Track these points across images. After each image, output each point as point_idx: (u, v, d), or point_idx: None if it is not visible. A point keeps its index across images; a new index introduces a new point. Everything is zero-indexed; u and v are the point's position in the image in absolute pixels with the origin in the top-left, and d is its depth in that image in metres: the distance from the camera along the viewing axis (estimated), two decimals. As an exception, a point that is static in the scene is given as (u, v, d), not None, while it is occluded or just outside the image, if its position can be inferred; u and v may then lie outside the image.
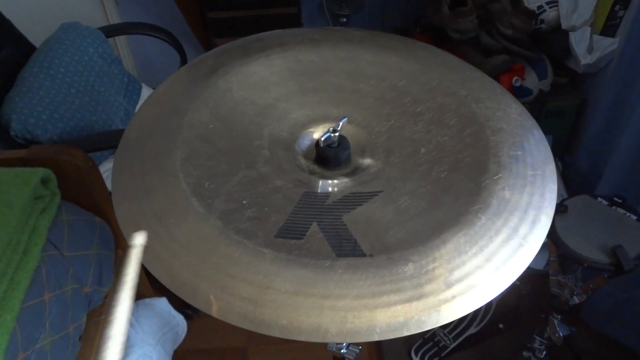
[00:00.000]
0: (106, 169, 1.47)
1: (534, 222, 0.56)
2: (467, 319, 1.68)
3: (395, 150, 0.65)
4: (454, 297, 0.50)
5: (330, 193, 0.60)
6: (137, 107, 1.71)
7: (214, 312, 0.49)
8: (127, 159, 0.62)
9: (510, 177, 0.59)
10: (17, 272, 0.88)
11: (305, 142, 0.67)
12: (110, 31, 1.76)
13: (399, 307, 0.48)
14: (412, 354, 1.65)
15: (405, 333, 0.48)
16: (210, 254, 0.52)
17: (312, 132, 0.68)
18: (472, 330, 1.66)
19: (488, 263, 0.52)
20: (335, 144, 0.64)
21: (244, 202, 0.57)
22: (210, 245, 0.52)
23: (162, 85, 0.72)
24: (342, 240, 0.53)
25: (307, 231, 0.54)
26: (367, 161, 0.65)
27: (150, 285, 1.37)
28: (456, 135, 0.65)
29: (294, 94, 0.71)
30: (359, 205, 0.58)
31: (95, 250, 1.09)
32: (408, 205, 0.57)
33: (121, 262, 1.20)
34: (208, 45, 2.16)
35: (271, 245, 0.52)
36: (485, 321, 1.67)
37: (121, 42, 2.24)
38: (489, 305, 1.71)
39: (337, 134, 0.63)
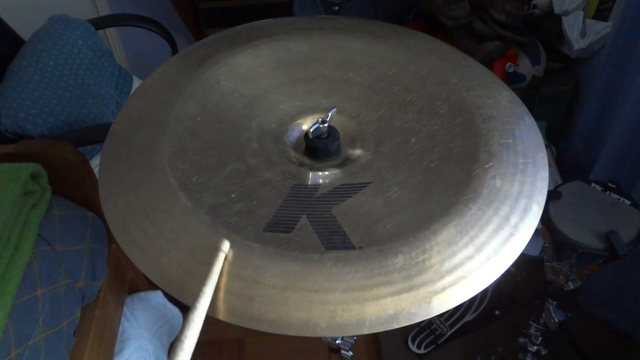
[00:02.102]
0: (97, 163, 1.46)
1: (525, 211, 0.55)
2: (463, 307, 1.68)
3: (385, 140, 0.64)
4: (444, 288, 0.49)
5: (320, 185, 0.59)
6: (129, 99, 1.70)
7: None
8: (114, 154, 0.62)
9: (501, 165, 0.59)
10: (8, 268, 0.87)
11: (294, 134, 0.66)
12: (100, 23, 1.74)
13: (389, 299, 0.48)
14: (409, 342, 1.66)
15: (395, 326, 0.47)
16: (198, 249, 0.51)
17: (301, 124, 0.67)
18: (468, 317, 1.67)
19: (479, 253, 0.51)
20: (325, 135, 0.63)
21: (232, 195, 0.56)
22: (197, 240, 0.52)
23: (149, 77, 0.71)
24: (331, 233, 0.53)
25: (296, 224, 0.53)
26: (357, 152, 0.64)
27: (145, 279, 1.37)
28: (447, 124, 0.64)
29: (283, 84, 0.71)
30: (349, 197, 0.57)
31: (88, 245, 1.08)
32: (398, 196, 0.57)
33: (115, 256, 1.20)
34: (199, 36, 2.14)
35: (260, 239, 0.51)
36: (481, 308, 1.67)
37: (112, 35, 2.22)
38: (484, 292, 1.71)
39: (326, 124, 0.62)
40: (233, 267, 0.49)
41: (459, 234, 0.52)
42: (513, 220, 0.54)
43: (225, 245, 0.50)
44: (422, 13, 1.99)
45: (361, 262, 0.50)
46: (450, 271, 0.50)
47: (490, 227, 0.53)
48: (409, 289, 0.49)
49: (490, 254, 0.52)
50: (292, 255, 0.50)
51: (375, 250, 0.51)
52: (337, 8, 2.02)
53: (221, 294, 0.48)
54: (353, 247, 0.51)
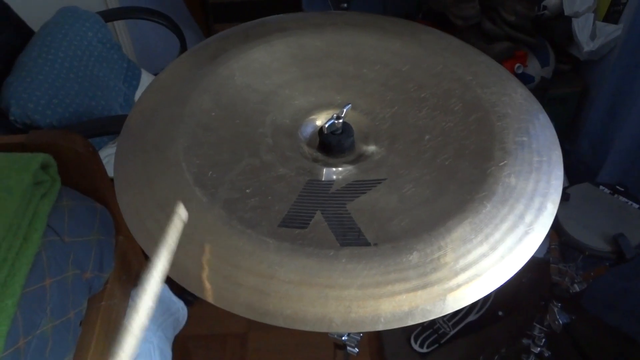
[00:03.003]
0: (106, 154, 1.46)
1: (539, 209, 0.55)
2: (467, 307, 1.68)
3: (399, 137, 0.64)
4: (459, 285, 0.49)
5: (334, 181, 0.59)
6: (137, 92, 1.70)
7: (217, 301, 0.49)
8: (129, 148, 0.62)
9: (516, 163, 0.59)
10: (17, 257, 0.87)
11: (308, 130, 0.66)
12: (109, 15, 1.75)
13: (404, 296, 0.48)
14: (412, 341, 1.66)
15: (410, 322, 0.47)
16: (213, 244, 0.51)
17: (315, 119, 0.67)
18: (471, 317, 1.67)
19: (493, 251, 0.51)
20: (339, 131, 0.63)
21: (247, 190, 0.56)
22: (213, 234, 0.52)
23: (163, 72, 0.71)
24: (346, 229, 0.53)
25: (311, 220, 0.53)
26: (371, 148, 0.64)
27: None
28: (461, 121, 0.64)
29: (297, 80, 0.70)
30: (363, 193, 0.57)
31: (96, 236, 1.09)
32: (412, 193, 0.57)
33: (122, 247, 1.20)
34: (208, 31, 2.14)
35: (275, 235, 0.51)
36: (484, 309, 1.67)
37: (120, 27, 2.22)
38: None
39: (340, 120, 0.62)
40: (249, 262, 0.49)
41: (473, 231, 0.52)
42: (528, 218, 0.54)
43: (182, 211, 0.50)
44: (432, 12, 1.99)
45: (376, 259, 0.50)
46: (464, 269, 0.50)
47: (505, 225, 0.53)
48: (423, 286, 0.49)
49: (505, 252, 0.52)
50: (307, 251, 0.50)
51: (390, 247, 0.51)
52: (346, 5, 2.02)
53: (237, 289, 0.48)
54: (368, 244, 0.51)
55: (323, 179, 0.60)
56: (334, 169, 0.61)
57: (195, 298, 1.75)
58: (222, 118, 0.64)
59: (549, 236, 1.22)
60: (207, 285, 0.49)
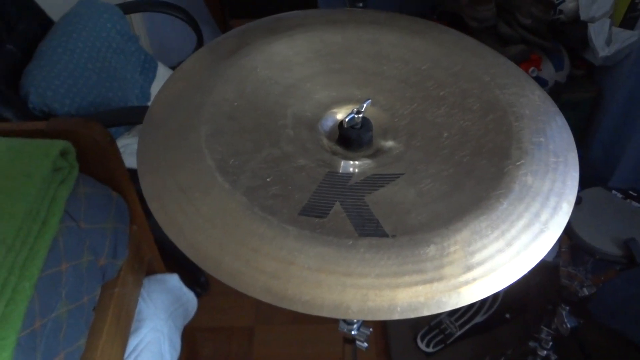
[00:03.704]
0: (122, 144, 1.48)
1: (555, 209, 0.56)
2: (474, 308, 1.69)
3: (417, 134, 0.65)
4: (474, 279, 0.50)
5: (352, 174, 0.60)
6: (153, 85, 1.72)
7: (236, 285, 0.50)
8: (152, 133, 0.63)
9: (533, 163, 0.59)
10: (36, 241, 0.89)
11: (328, 123, 0.67)
12: (128, 8, 1.76)
13: (420, 287, 0.49)
14: (418, 340, 1.67)
15: (426, 313, 0.48)
16: (234, 229, 0.52)
17: (336, 113, 0.68)
18: (478, 319, 1.67)
19: (509, 247, 0.52)
20: (359, 126, 0.64)
21: (268, 179, 0.57)
22: (234, 220, 0.53)
23: (186, 62, 0.73)
24: (364, 220, 0.54)
25: (330, 210, 0.55)
26: (389, 143, 0.65)
27: (162, 261, 1.39)
28: (479, 120, 0.65)
29: (318, 74, 0.72)
30: (381, 186, 0.58)
31: (111, 223, 1.10)
32: (430, 188, 0.58)
33: (135, 237, 1.22)
34: (224, 26, 2.16)
35: (295, 223, 0.53)
36: (492, 311, 1.68)
37: (137, 20, 2.24)
38: (496, 295, 1.71)
39: (360, 115, 0.63)
40: (269, 248, 0.51)
41: (490, 227, 0.53)
42: (543, 216, 0.55)
43: None
44: (447, 13, 1.99)
45: (394, 250, 0.51)
46: (480, 263, 0.51)
47: (521, 223, 0.54)
48: (439, 278, 0.50)
49: (521, 249, 0.52)
50: (327, 240, 0.51)
51: (407, 239, 0.52)
52: (361, 5, 2.02)
53: (256, 273, 0.50)
54: (386, 235, 0.52)
55: (341, 172, 0.61)
56: (352, 162, 0.62)
57: (204, 290, 1.77)
58: (245, 108, 0.65)
59: (559, 239, 1.23)
60: (227, 268, 0.50)
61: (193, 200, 0.55)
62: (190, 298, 1.40)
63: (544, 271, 1.62)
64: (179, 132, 0.62)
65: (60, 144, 0.98)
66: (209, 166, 0.57)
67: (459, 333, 1.67)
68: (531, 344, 1.45)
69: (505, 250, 0.52)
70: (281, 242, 0.51)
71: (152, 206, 0.55)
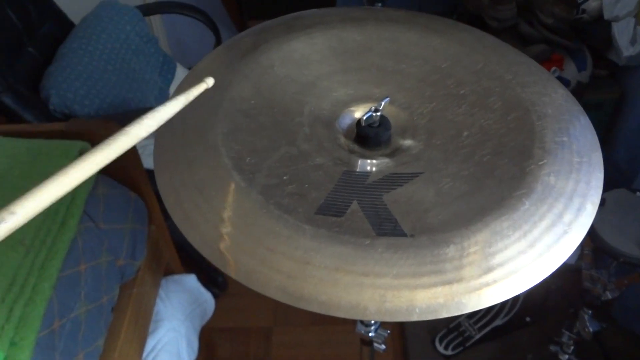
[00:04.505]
0: (140, 145, 1.49)
1: (579, 210, 0.54)
2: (494, 311, 1.66)
3: (437, 132, 0.64)
4: (495, 281, 0.49)
5: (370, 173, 0.59)
6: (172, 86, 1.73)
7: (252, 284, 0.49)
8: (169, 129, 0.63)
9: (556, 163, 0.58)
10: (55, 242, 0.90)
11: (345, 121, 0.66)
12: (147, 10, 1.78)
13: (439, 288, 0.48)
14: (437, 343, 1.65)
15: (445, 315, 0.47)
16: (250, 228, 0.52)
17: (353, 111, 0.67)
18: (498, 322, 1.65)
19: (531, 248, 0.51)
20: (377, 124, 0.63)
21: (284, 177, 0.57)
22: (251, 219, 0.52)
23: (203, 60, 0.72)
24: (382, 219, 0.53)
25: (347, 209, 0.54)
26: (408, 142, 0.64)
27: (180, 262, 1.39)
28: (500, 119, 0.64)
29: (336, 72, 0.71)
30: (400, 185, 0.57)
31: (130, 224, 1.11)
32: (450, 188, 0.56)
33: (153, 237, 1.22)
34: (242, 27, 2.16)
35: (311, 222, 0.52)
36: (512, 314, 1.65)
37: (156, 22, 2.26)
38: (516, 298, 1.69)
39: (378, 113, 0.62)
40: (285, 247, 0.50)
41: (511, 228, 0.52)
42: (567, 218, 0.53)
43: (210, 81, 0.52)
44: (467, 13, 1.97)
45: (412, 250, 0.50)
46: (501, 264, 0.50)
47: (544, 224, 0.53)
48: (459, 280, 0.48)
49: (543, 250, 0.51)
50: (344, 239, 0.50)
51: (426, 239, 0.51)
52: (380, 4, 2.01)
53: (272, 273, 0.49)
54: (404, 235, 0.51)
55: (358, 170, 0.60)
56: (369, 160, 0.61)
57: (222, 291, 1.77)
58: (262, 106, 0.65)
59: (581, 242, 1.20)
60: (243, 268, 0.50)
61: (209, 198, 0.54)
62: (207, 298, 1.40)
63: (565, 274, 1.59)
64: (195, 130, 0.62)
65: (79, 145, 0.99)
66: (225, 164, 0.57)
67: (478, 336, 1.64)
68: (552, 348, 1.43)
69: (527, 252, 0.50)
70: (297, 242, 0.50)
71: (168, 203, 0.55)
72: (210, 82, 0.53)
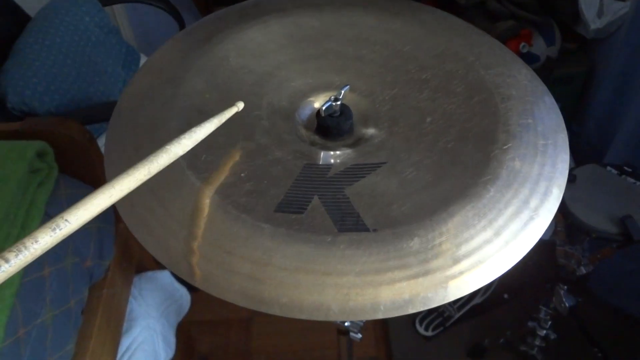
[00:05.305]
0: (104, 142, 1.45)
1: (545, 194, 0.53)
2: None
3: (399, 120, 0.62)
4: (461, 272, 0.48)
5: (332, 165, 0.58)
6: (135, 76, 1.68)
7: (209, 289, 0.47)
8: (120, 131, 0.60)
9: (521, 146, 0.57)
10: (15, 247, 0.86)
11: (305, 112, 0.64)
12: (106, 0, 1.72)
13: (404, 283, 0.46)
14: (417, 324, 1.65)
15: (411, 310, 0.46)
16: (207, 229, 0.50)
17: (313, 101, 0.65)
18: (476, 300, 1.66)
19: (497, 237, 0.49)
20: (337, 114, 0.61)
21: (242, 175, 0.54)
22: (206, 219, 0.50)
23: (155, 53, 0.69)
24: (344, 214, 0.51)
25: (308, 205, 0.52)
26: (371, 131, 0.62)
27: (152, 258, 1.36)
28: (463, 103, 0.62)
29: (294, 61, 0.68)
30: (362, 177, 0.55)
31: (96, 223, 1.08)
32: (413, 177, 0.55)
33: (122, 235, 1.19)
34: (207, 13, 2.11)
35: (270, 220, 0.50)
36: (489, 291, 1.66)
37: (119, 12, 2.19)
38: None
39: (338, 102, 0.60)
40: (243, 249, 0.48)
41: (476, 216, 0.50)
42: (533, 203, 0.52)
43: (241, 105, 0.56)
44: (435, -9, 1.95)
45: (375, 245, 0.48)
46: (467, 255, 0.48)
47: (509, 210, 0.51)
48: (425, 273, 0.47)
49: (509, 238, 0.50)
50: (304, 237, 0.48)
51: (389, 232, 0.49)
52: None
53: (231, 276, 0.47)
54: (367, 229, 0.49)
55: (320, 163, 0.58)
56: (332, 152, 0.59)
57: (199, 284, 1.75)
58: (217, 100, 0.62)
59: (555, 218, 1.21)
60: (199, 272, 0.47)
61: (163, 200, 0.52)
62: (183, 294, 1.37)
63: (540, 249, 1.59)
64: (148, 128, 0.59)
65: (36, 145, 0.95)
66: (179, 163, 0.54)
67: (457, 315, 1.65)
68: (530, 324, 1.44)
69: (493, 241, 0.49)
70: (256, 242, 0.48)
71: (120, 208, 0.53)
72: (240, 105, 0.56)
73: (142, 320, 1.20)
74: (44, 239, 0.33)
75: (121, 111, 0.62)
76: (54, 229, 0.33)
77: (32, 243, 0.32)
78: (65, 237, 0.34)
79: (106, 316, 1.07)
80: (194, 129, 0.49)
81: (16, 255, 0.31)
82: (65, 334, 0.95)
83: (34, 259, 0.32)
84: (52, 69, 1.37)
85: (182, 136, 0.47)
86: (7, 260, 0.30)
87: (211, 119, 0.51)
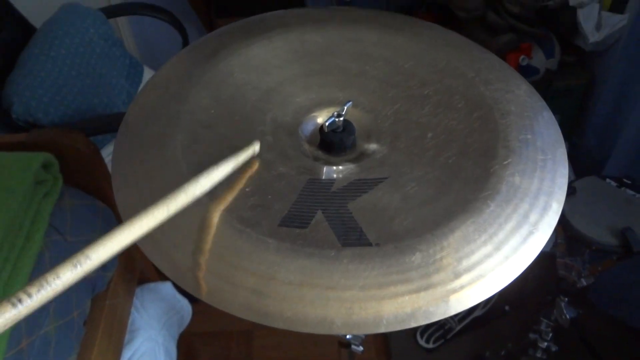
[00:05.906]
0: (108, 152, 1.46)
1: (544, 209, 0.54)
2: (473, 301, 1.67)
3: (401, 135, 0.63)
4: (462, 287, 0.48)
5: (335, 180, 0.58)
6: (139, 89, 1.70)
7: (214, 302, 0.48)
8: (127, 145, 0.61)
9: (520, 162, 0.58)
10: (20, 257, 0.87)
11: (309, 127, 0.65)
12: (111, 12, 1.74)
13: (407, 297, 0.47)
14: (418, 336, 1.65)
15: (413, 324, 0.47)
16: (212, 243, 0.51)
17: (316, 117, 0.66)
18: (477, 312, 1.66)
19: (497, 252, 0.50)
20: (340, 129, 0.62)
21: (246, 189, 0.55)
22: (212, 234, 0.51)
23: (162, 69, 0.70)
24: (347, 229, 0.52)
25: (311, 220, 0.53)
26: (373, 146, 0.63)
27: (155, 270, 1.37)
28: (464, 118, 0.63)
29: (297, 77, 0.69)
30: (365, 192, 0.56)
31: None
32: (415, 192, 0.56)
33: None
34: (210, 26, 2.13)
35: (275, 234, 0.51)
36: (491, 304, 1.67)
37: (122, 24, 2.21)
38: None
39: (341, 118, 0.61)
40: (248, 262, 0.49)
41: (477, 231, 0.51)
42: (532, 217, 0.53)
43: (257, 146, 0.57)
44: (435, 5, 1.97)
45: (378, 259, 0.49)
46: (468, 269, 0.49)
47: (509, 225, 0.52)
48: (426, 288, 0.48)
49: (509, 253, 0.51)
50: (308, 252, 0.49)
51: (392, 247, 0.50)
52: (349, 0, 2.00)
53: (235, 290, 0.48)
54: (370, 244, 0.50)
55: (324, 178, 0.59)
56: (335, 167, 0.60)
57: (200, 295, 1.75)
58: (222, 115, 0.63)
59: (555, 230, 1.22)
60: (204, 285, 0.48)
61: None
62: (184, 305, 1.38)
63: (541, 261, 1.60)
64: (154, 143, 0.60)
65: (42, 157, 0.96)
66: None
67: (458, 327, 1.65)
68: (531, 335, 1.44)
69: (493, 255, 0.50)
70: (260, 256, 0.49)
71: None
72: (257, 147, 0.58)
73: (144, 332, 1.21)
74: (66, 275, 0.34)
75: (128, 126, 0.63)
76: (76, 265, 0.34)
77: (54, 279, 0.33)
78: (85, 274, 0.35)
79: (108, 327, 1.08)
80: (211, 169, 0.50)
81: (38, 291, 0.31)
82: (68, 344, 0.95)
83: (56, 295, 0.32)
84: (58, 80, 1.39)
85: (200, 175, 0.49)
86: (29, 295, 0.31)
87: (227, 159, 0.52)
